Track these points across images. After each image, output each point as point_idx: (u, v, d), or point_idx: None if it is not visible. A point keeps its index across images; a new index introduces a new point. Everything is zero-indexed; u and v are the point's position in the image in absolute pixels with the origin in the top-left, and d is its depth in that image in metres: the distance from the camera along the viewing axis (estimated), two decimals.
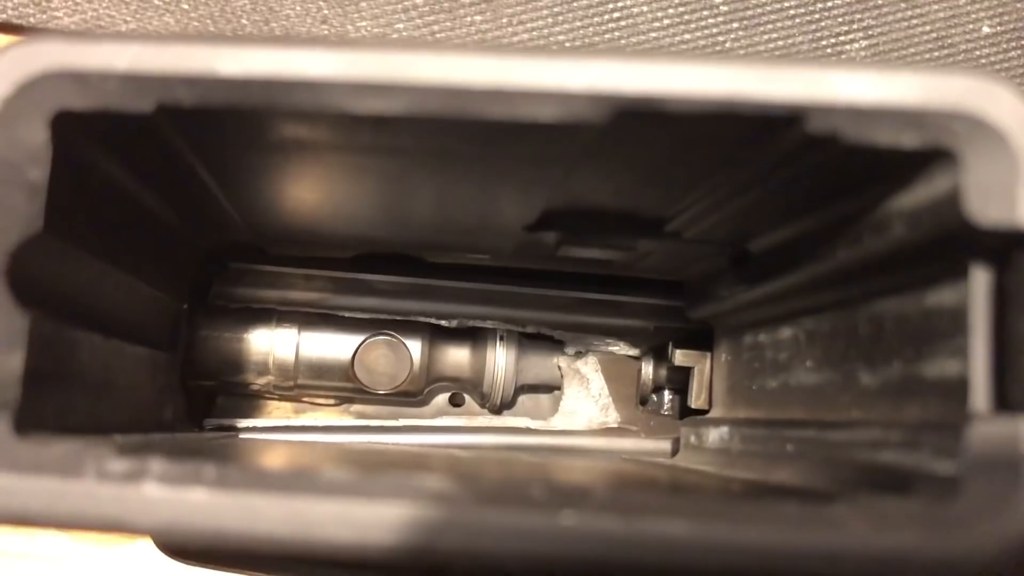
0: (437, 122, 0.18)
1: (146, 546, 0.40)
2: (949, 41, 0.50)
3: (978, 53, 0.51)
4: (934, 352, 0.20)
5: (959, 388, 0.18)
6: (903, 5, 0.50)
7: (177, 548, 0.26)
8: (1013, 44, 0.50)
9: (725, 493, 0.17)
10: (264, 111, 0.18)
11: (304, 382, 0.35)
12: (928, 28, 0.50)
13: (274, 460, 0.25)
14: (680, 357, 0.35)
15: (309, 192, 0.26)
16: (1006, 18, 0.51)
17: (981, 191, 0.17)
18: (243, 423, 0.36)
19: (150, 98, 0.18)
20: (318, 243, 0.34)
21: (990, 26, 0.51)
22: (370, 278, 0.36)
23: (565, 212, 0.26)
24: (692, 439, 0.33)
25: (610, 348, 0.37)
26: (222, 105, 0.18)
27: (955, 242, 0.18)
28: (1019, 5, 0.51)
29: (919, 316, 0.20)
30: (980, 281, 0.18)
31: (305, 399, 0.37)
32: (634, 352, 0.37)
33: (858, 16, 0.50)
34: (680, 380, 0.36)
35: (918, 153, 0.18)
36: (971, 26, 0.50)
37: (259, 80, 0.18)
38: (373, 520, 0.17)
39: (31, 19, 0.44)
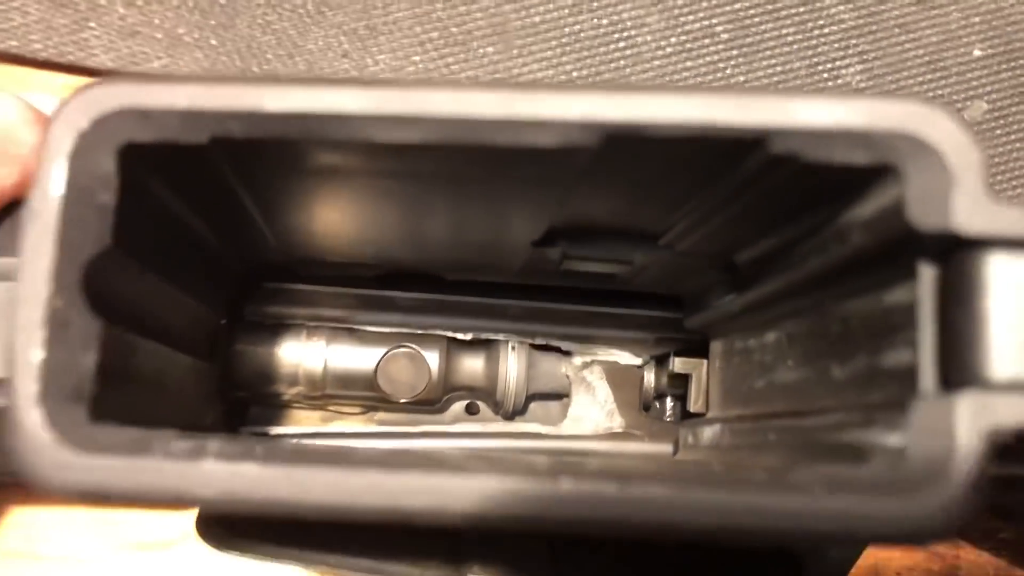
0: (451, 148, 0.21)
1: (181, 551, 0.43)
2: (941, 64, 0.53)
3: (969, 76, 0.53)
4: (892, 344, 0.22)
5: (911, 374, 0.21)
6: (897, 30, 0.53)
7: (216, 534, 0.29)
8: (1004, 67, 0.53)
9: (704, 468, 0.19)
10: (302, 141, 0.21)
11: (331, 392, 0.38)
12: (921, 52, 0.53)
13: None
14: (679, 365, 0.38)
15: (338, 215, 0.29)
16: (996, 41, 0.53)
17: (921, 201, 0.20)
18: (275, 431, 0.39)
19: (205, 131, 0.21)
20: (344, 264, 0.37)
21: (981, 49, 0.53)
22: (392, 295, 0.39)
23: (567, 229, 0.29)
24: (689, 439, 0.35)
25: (614, 357, 0.40)
26: (266, 136, 0.21)
27: (903, 246, 0.21)
28: (1008, 29, 0.53)
29: (879, 314, 0.23)
30: (926, 280, 0.21)
31: (332, 408, 0.40)
32: (637, 361, 0.40)
33: (853, 42, 0.53)
34: (680, 386, 0.39)
35: (869, 169, 0.20)
36: (963, 50, 0.53)
37: (299, 114, 0.21)
38: (398, 488, 0.19)
39: (70, 57, 0.47)
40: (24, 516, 0.43)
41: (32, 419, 0.20)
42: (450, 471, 0.19)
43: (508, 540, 0.28)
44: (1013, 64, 0.53)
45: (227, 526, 0.29)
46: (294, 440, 0.38)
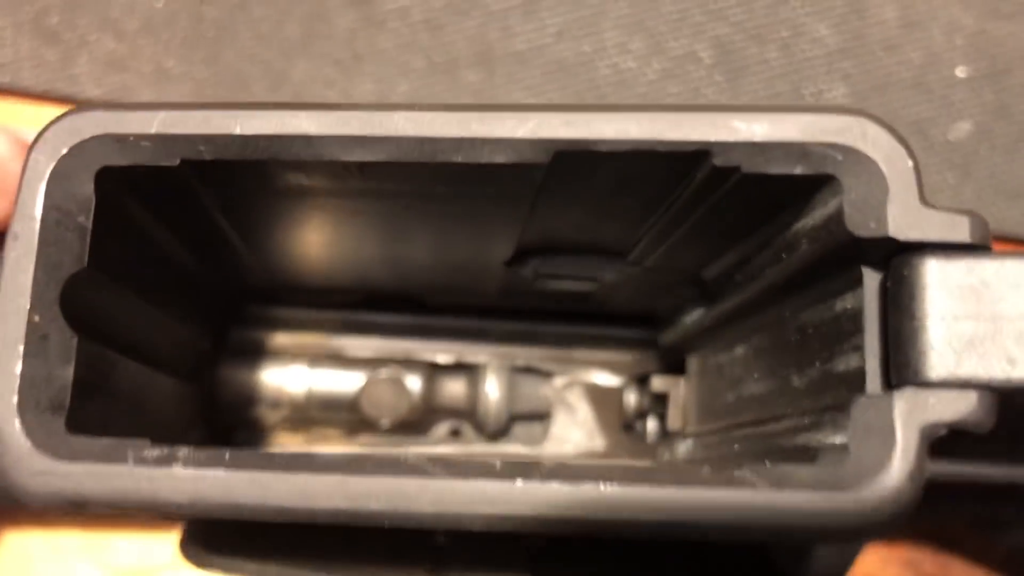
0: (412, 166, 0.22)
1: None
2: (926, 85, 0.53)
3: (953, 96, 0.54)
4: (842, 351, 0.23)
5: (860, 377, 0.22)
6: (881, 52, 0.53)
7: (198, 553, 0.30)
8: (987, 87, 0.53)
9: (654, 469, 0.20)
10: (269, 162, 0.22)
11: (314, 415, 0.39)
12: (905, 73, 0.53)
13: None
14: (657, 383, 0.38)
15: (313, 237, 0.30)
16: (980, 64, 0.54)
17: (859, 209, 0.21)
18: None
19: (176, 154, 0.22)
20: (326, 288, 0.38)
21: (964, 70, 0.54)
22: (374, 319, 0.40)
23: (537, 248, 0.30)
24: (666, 455, 0.36)
25: (595, 378, 0.41)
26: (235, 158, 0.22)
27: (847, 254, 0.22)
28: (991, 51, 0.54)
29: (831, 322, 0.24)
30: (870, 286, 0.22)
31: (315, 431, 0.40)
32: (617, 381, 0.41)
33: (838, 64, 0.53)
34: (661, 406, 0.39)
35: (809, 179, 0.21)
36: (946, 71, 0.53)
37: (265, 136, 0.22)
38: (359, 490, 0.20)
39: (62, 91, 0.49)
40: (18, 542, 0.43)
41: (10, 428, 0.21)
42: (409, 473, 0.20)
43: (488, 555, 0.29)
44: (996, 85, 0.53)
45: (208, 545, 0.30)
46: None
